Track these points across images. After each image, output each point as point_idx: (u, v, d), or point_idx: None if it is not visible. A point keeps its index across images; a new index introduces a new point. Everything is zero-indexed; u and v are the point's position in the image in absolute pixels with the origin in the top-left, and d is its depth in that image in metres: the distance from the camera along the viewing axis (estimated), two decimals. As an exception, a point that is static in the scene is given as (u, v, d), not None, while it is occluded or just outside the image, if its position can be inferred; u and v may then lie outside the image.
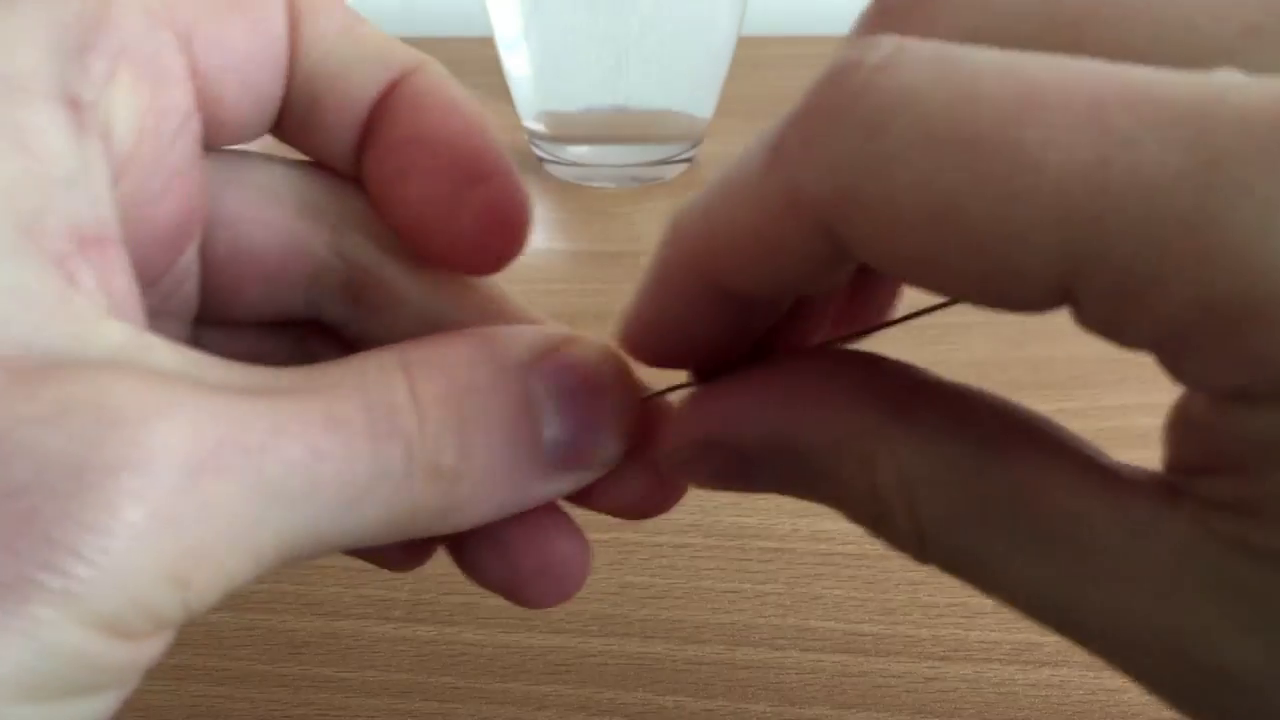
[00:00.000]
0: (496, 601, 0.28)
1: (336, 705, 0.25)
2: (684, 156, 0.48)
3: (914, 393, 0.15)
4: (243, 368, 0.13)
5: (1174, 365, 0.11)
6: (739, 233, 0.14)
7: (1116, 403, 0.34)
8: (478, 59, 0.58)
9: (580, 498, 0.16)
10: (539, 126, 0.47)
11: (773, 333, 0.16)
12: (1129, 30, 0.11)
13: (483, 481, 0.14)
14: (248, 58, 0.15)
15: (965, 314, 0.34)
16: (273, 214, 0.17)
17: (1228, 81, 0.10)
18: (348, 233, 0.17)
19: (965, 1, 0.12)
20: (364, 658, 0.26)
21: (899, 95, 0.11)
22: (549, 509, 0.16)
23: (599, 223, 0.45)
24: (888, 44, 0.12)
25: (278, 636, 0.27)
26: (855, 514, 0.15)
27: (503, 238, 0.16)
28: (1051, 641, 0.26)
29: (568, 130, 0.47)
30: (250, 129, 0.16)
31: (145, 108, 0.14)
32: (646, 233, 0.44)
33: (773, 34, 0.62)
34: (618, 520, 0.30)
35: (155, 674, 0.26)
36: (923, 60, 0.11)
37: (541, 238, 0.44)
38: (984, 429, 0.14)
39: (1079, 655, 0.26)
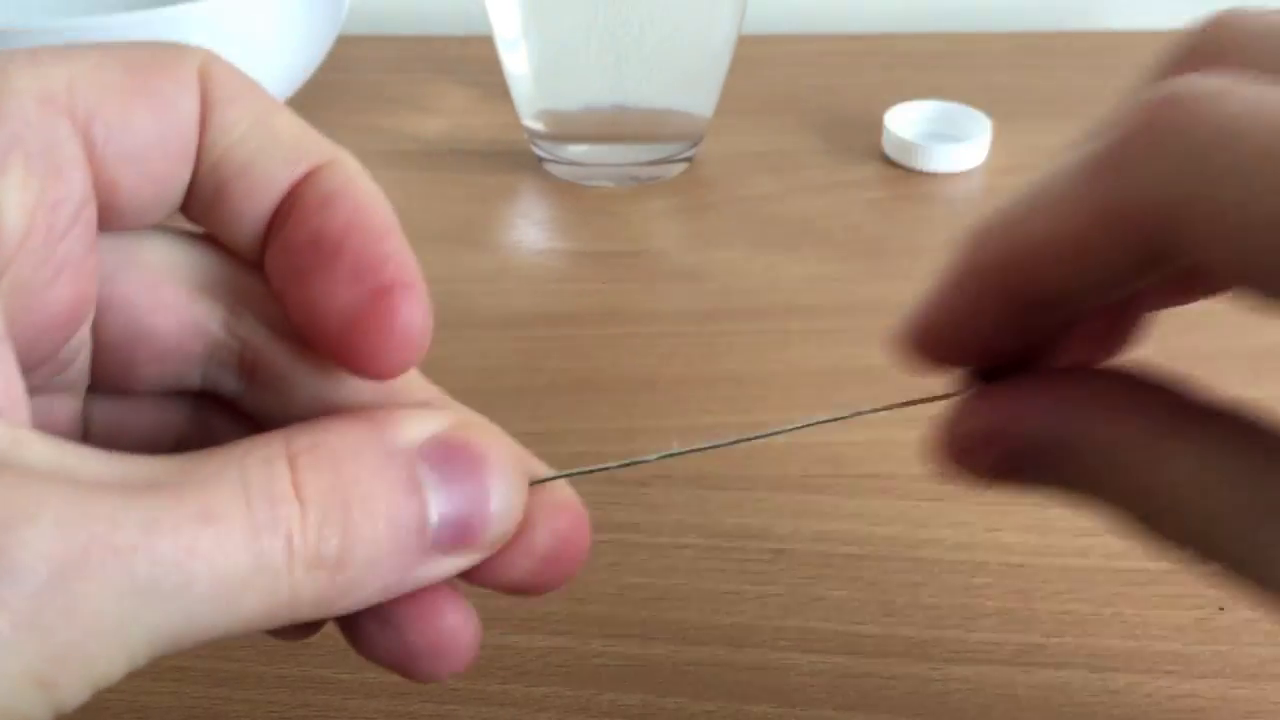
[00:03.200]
0: (496, 602, 0.28)
1: (335, 706, 0.25)
2: (684, 156, 0.48)
3: (1198, 400, 0.16)
4: (121, 459, 0.13)
5: None
6: (1056, 239, 0.15)
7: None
8: (478, 58, 0.58)
9: (468, 575, 0.16)
10: (538, 125, 0.47)
11: (1045, 342, 0.18)
12: None
13: (367, 568, 0.14)
14: (151, 145, 0.15)
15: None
16: (168, 294, 0.16)
17: None
18: (243, 314, 0.17)
19: (1267, 47, 0.15)
20: (363, 659, 0.26)
21: (1242, 112, 0.13)
22: (439, 585, 0.16)
23: (599, 222, 0.45)
24: (1217, 79, 0.13)
25: (276, 638, 0.27)
26: (1138, 512, 0.16)
27: (402, 350, 0.16)
28: (1054, 643, 0.26)
29: (567, 129, 0.47)
30: (149, 214, 0.16)
31: (36, 200, 0.14)
32: (646, 232, 0.44)
33: (773, 34, 0.62)
34: (618, 521, 0.30)
35: (154, 675, 0.26)
36: (1249, 93, 0.13)
37: (541, 237, 0.44)
38: (1271, 438, 0.15)
39: (1081, 657, 0.26)
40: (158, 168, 0.15)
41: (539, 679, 0.26)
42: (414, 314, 0.15)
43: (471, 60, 0.59)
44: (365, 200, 0.16)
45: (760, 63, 0.58)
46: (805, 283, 0.40)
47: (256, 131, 0.16)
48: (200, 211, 0.16)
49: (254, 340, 0.17)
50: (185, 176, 0.16)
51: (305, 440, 0.14)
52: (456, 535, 0.15)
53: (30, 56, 0.14)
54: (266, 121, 0.16)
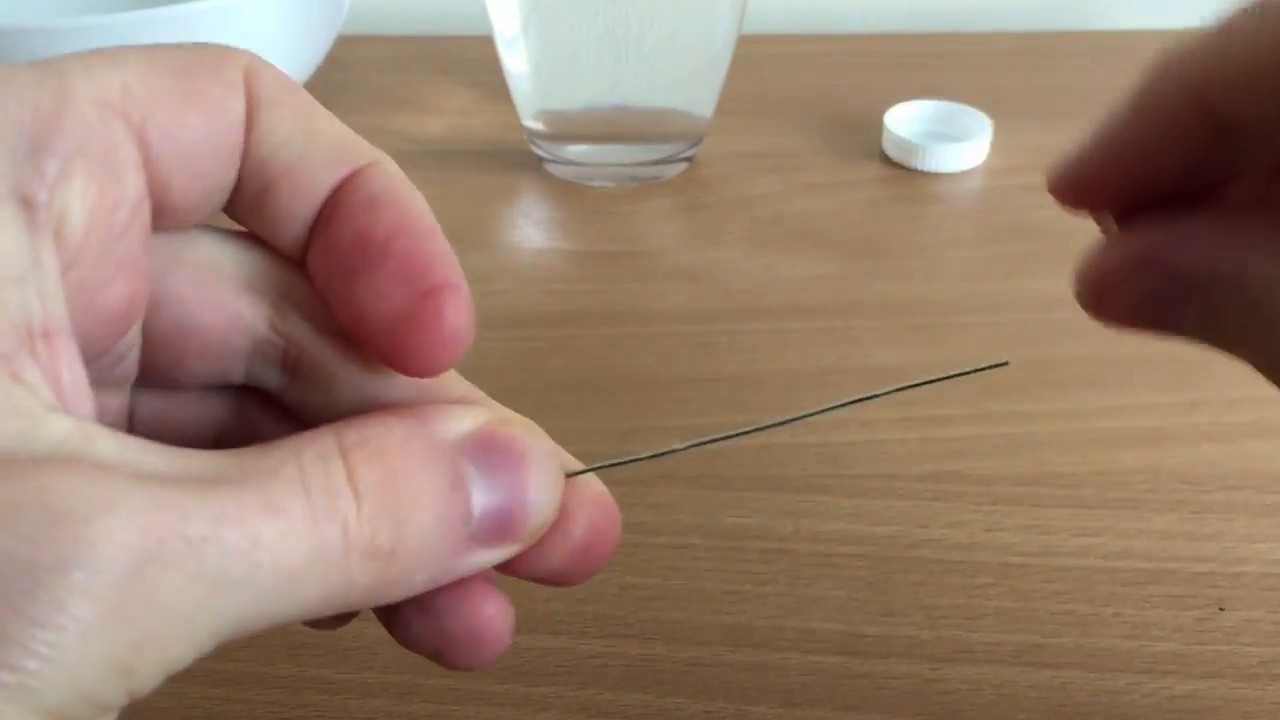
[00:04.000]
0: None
1: (335, 707, 0.25)
2: (684, 156, 0.48)
3: None
4: (182, 454, 0.14)
5: None
6: (1263, 54, 0.14)
7: (1117, 403, 0.34)
8: (478, 58, 0.58)
9: (507, 566, 0.17)
10: (538, 125, 0.47)
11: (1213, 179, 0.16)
12: None
13: (416, 558, 0.15)
14: (200, 147, 0.15)
15: (966, 314, 0.34)
16: (216, 292, 0.17)
17: None
18: (288, 312, 0.17)
19: None
20: (363, 659, 0.26)
21: None
22: (477, 576, 0.17)
23: (599, 222, 0.45)
24: None
25: (276, 638, 0.27)
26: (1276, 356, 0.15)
27: (446, 349, 0.16)
28: (1053, 643, 0.26)
29: (567, 129, 0.47)
30: (196, 214, 0.16)
31: (96, 203, 0.14)
32: (646, 232, 0.44)
33: (773, 34, 0.62)
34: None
35: (154, 675, 0.26)
36: None
37: (541, 237, 0.44)
38: None
39: (1080, 657, 0.26)
40: (206, 168, 0.16)
41: (539, 679, 0.26)
42: (459, 315, 0.16)
43: (471, 60, 0.59)
44: (409, 202, 0.16)
45: (760, 63, 0.58)
46: (805, 283, 0.40)
47: (301, 133, 0.16)
48: (244, 211, 0.17)
49: (298, 337, 0.17)
50: (232, 177, 0.16)
51: (355, 435, 0.15)
52: (498, 527, 0.16)
53: (84, 61, 0.14)
54: (310, 124, 0.16)
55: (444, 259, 0.16)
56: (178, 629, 0.13)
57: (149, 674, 0.13)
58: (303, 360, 0.17)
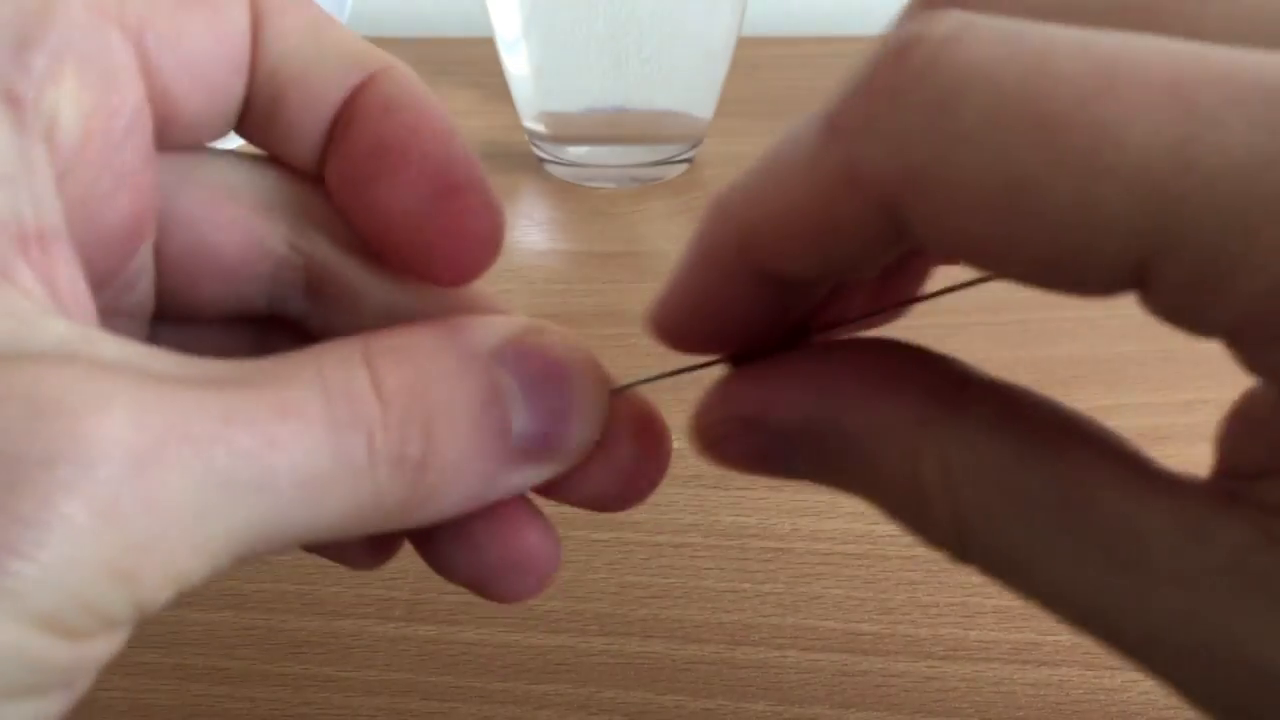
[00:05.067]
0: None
1: (336, 705, 0.25)
2: (684, 156, 0.48)
3: (960, 386, 0.14)
4: (195, 360, 0.13)
5: (1251, 356, 0.11)
6: (790, 212, 0.13)
7: (1117, 402, 0.34)
8: (478, 59, 0.58)
9: (549, 490, 0.16)
10: (539, 126, 0.47)
11: (806, 315, 0.16)
12: (1200, 10, 0.11)
13: (450, 472, 0.14)
14: (204, 55, 0.15)
15: (965, 314, 0.34)
16: (230, 212, 0.16)
17: None
18: (307, 230, 0.16)
19: None
20: (364, 657, 0.26)
21: (968, 71, 0.11)
22: (517, 501, 0.16)
23: (599, 223, 0.45)
24: (953, 18, 0.11)
25: (278, 636, 0.27)
26: (893, 507, 0.15)
27: (475, 251, 0.16)
28: (1050, 641, 0.26)
29: (568, 130, 0.47)
30: (208, 128, 0.16)
31: (92, 106, 0.14)
32: (646, 233, 0.44)
33: (773, 34, 0.62)
34: (618, 520, 0.30)
35: (155, 674, 0.26)
36: (991, 36, 0.11)
37: (541, 238, 0.44)
38: (1031, 425, 0.14)
39: (1078, 655, 0.26)
40: (212, 78, 0.15)
41: (539, 676, 0.26)
42: (484, 214, 0.15)
43: (472, 61, 0.59)
44: (426, 105, 0.16)
45: (760, 64, 0.58)
46: (805, 283, 0.40)
47: (309, 41, 0.15)
48: (256, 128, 0.16)
49: (319, 256, 0.16)
50: (240, 89, 0.15)
51: (383, 342, 0.14)
52: (540, 443, 0.15)
53: None
54: (318, 31, 0.16)
55: (464, 159, 0.15)
56: (184, 535, 0.12)
57: (155, 584, 0.12)
58: (326, 281, 0.16)
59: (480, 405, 0.14)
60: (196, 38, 0.15)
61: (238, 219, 0.16)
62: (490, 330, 0.15)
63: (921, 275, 0.17)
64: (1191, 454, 0.36)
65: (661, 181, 0.48)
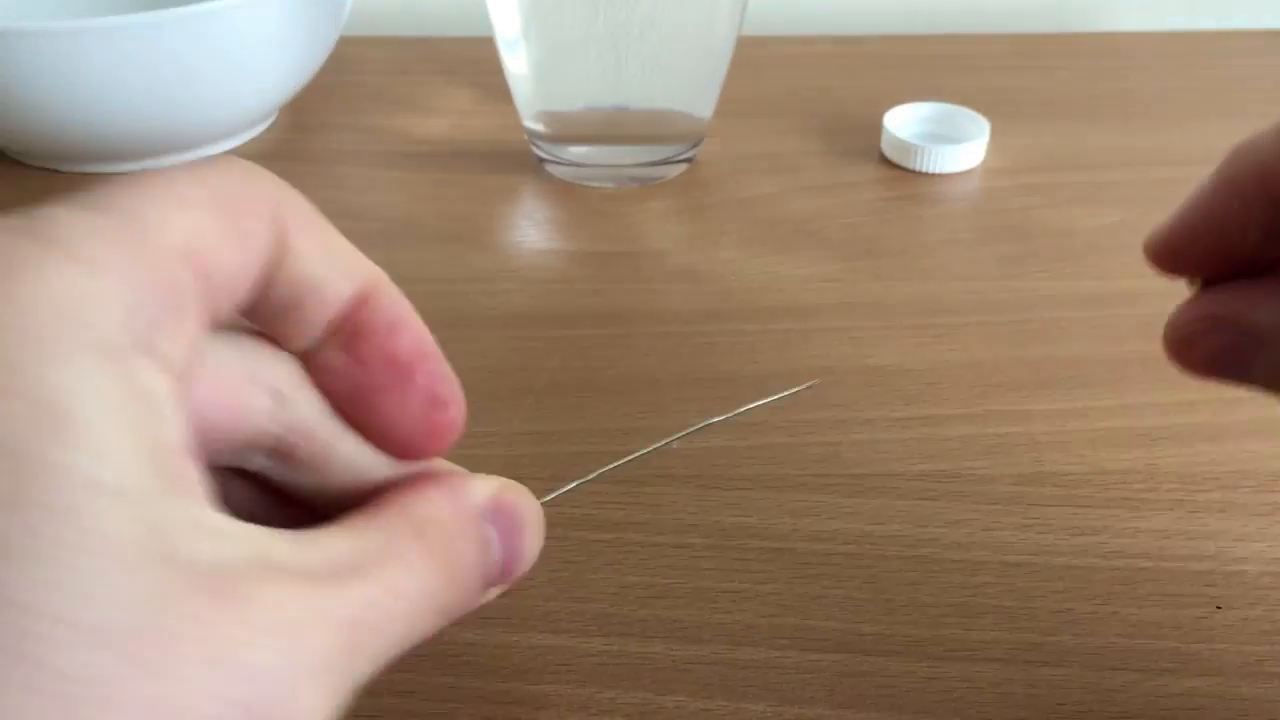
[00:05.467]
0: (497, 601, 0.28)
1: (336, 705, 0.25)
2: (684, 156, 0.48)
3: None
4: (302, 542, 0.16)
5: None
6: None
7: (1116, 403, 0.34)
8: (478, 59, 0.58)
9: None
10: (539, 126, 0.47)
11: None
12: None
13: (462, 609, 0.19)
14: (239, 279, 0.17)
15: (965, 314, 0.34)
16: (223, 389, 0.18)
17: None
18: (288, 402, 0.19)
19: None
20: (364, 657, 0.26)
21: None
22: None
23: (599, 223, 0.45)
24: None
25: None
26: None
27: (443, 447, 0.20)
28: (1051, 642, 0.26)
29: (567, 130, 0.47)
30: (221, 323, 0.18)
31: (188, 341, 0.16)
32: (646, 233, 0.44)
33: (772, 35, 0.62)
34: (618, 520, 0.30)
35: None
36: None
37: (541, 238, 0.44)
38: None
39: (1078, 655, 0.26)
40: (239, 294, 0.17)
41: (539, 677, 0.26)
42: (459, 423, 0.20)
43: (472, 61, 0.59)
44: (420, 328, 0.19)
45: (760, 64, 0.58)
46: (805, 283, 0.40)
47: (321, 253, 0.18)
48: (265, 318, 0.18)
49: (298, 426, 0.19)
50: (254, 295, 0.18)
51: (421, 511, 0.18)
52: (503, 576, 0.20)
53: (155, 203, 0.16)
54: (328, 244, 0.18)
55: (451, 379, 0.19)
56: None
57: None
58: (296, 445, 0.19)
59: (480, 552, 0.19)
60: (236, 266, 0.17)
61: (229, 396, 0.18)
62: (478, 491, 0.20)
63: None
64: (1191, 454, 0.36)
65: (661, 181, 0.48)
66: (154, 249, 0.15)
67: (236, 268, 0.17)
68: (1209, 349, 0.21)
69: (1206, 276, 0.21)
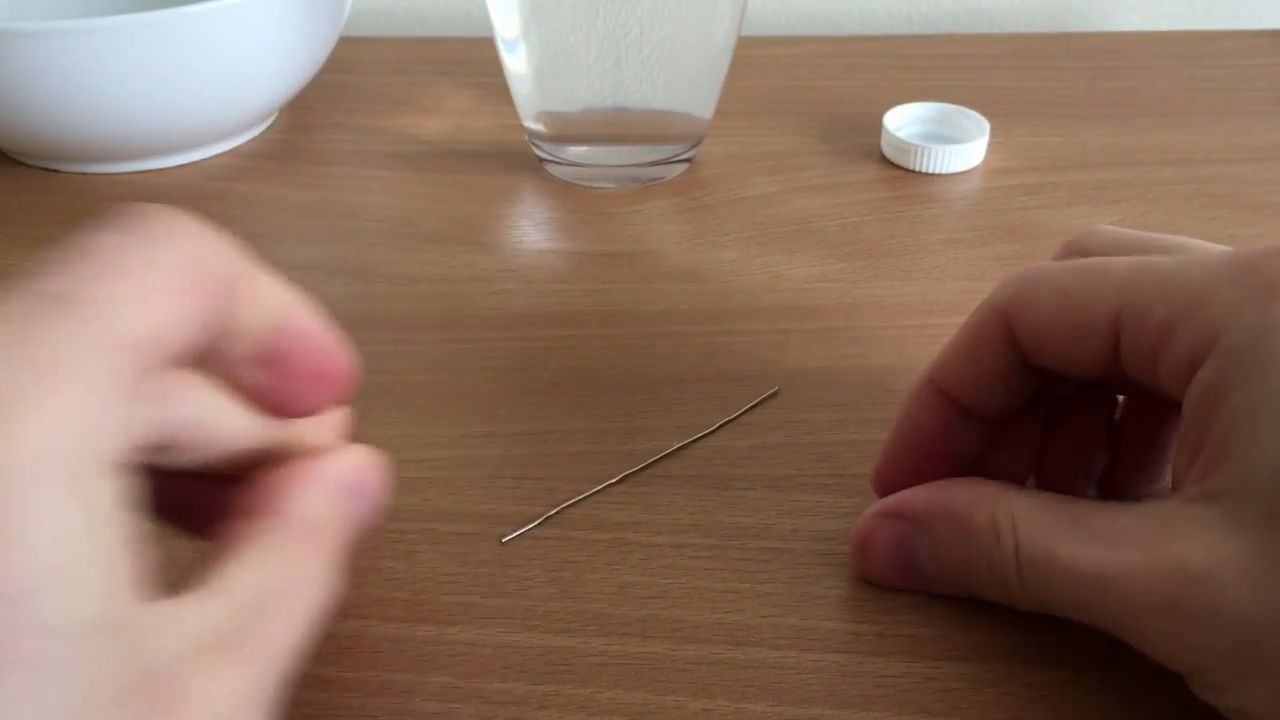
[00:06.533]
0: (497, 601, 0.28)
1: (336, 705, 0.25)
2: (684, 156, 0.48)
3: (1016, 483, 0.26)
4: (213, 595, 0.19)
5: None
6: (958, 345, 0.27)
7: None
8: (478, 59, 0.58)
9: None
10: (539, 126, 0.47)
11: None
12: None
13: (338, 578, 0.22)
14: (189, 349, 0.19)
15: (964, 314, 0.34)
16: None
17: None
18: (174, 405, 0.20)
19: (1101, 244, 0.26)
20: (364, 658, 0.26)
21: (1051, 266, 0.25)
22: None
23: (599, 223, 0.45)
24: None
25: (278, 636, 0.27)
26: (975, 552, 0.25)
27: (325, 406, 0.23)
28: (1051, 641, 0.26)
29: (567, 130, 0.47)
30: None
31: (142, 422, 0.19)
32: (646, 233, 0.44)
33: (772, 36, 0.62)
34: (618, 520, 0.30)
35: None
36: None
37: (541, 238, 0.44)
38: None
39: (1078, 656, 0.26)
40: (187, 360, 0.19)
41: (539, 677, 0.26)
42: (345, 385, 0.22)
43: (472, 61, 0.59)
44: (324, 334, 0.22)
45: (760, 64, 0.58)
46: (805, 283, 0.40)
47: (250, 308, 0.20)
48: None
49: (183, 419, 0.20)
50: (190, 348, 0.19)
51: (300, 506, 0.22)
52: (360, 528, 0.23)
53: (112, 294, 0.17)
54: (259, 294, 0.20)
55: (338, 349, 0.22)
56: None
57: None
58: (179, 434, 0.20)
59: (349, 534, 0.22)
60: (189, 335, 0.19)
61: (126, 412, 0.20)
62: (342, 472, 0.23)
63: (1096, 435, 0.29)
64: (1191, 454, 0.35)
65: (661, 181, 0.48)
66: (117, 348, 0.17)
67: (190, 343, 0.18)
68: (882, 543, 0.27)
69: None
